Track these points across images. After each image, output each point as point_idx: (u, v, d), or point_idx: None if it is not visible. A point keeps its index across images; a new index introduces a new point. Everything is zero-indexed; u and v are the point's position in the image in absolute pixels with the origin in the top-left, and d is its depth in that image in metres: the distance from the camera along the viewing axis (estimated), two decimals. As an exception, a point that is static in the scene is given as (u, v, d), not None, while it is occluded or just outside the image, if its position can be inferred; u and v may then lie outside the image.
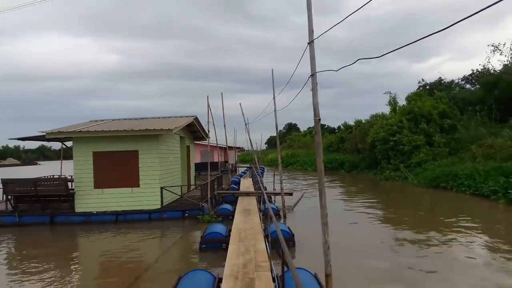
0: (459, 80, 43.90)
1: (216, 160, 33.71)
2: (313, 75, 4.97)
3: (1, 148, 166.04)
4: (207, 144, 37.18)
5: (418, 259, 8.55)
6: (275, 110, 13.27)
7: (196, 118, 17.14)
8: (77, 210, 14.06)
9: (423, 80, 48.58)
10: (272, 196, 17.82)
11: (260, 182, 15.45)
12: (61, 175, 18.49)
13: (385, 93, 43.33)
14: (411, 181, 24.47)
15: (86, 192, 14.06)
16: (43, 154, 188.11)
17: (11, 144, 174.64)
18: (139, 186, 14.00)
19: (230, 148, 45.82)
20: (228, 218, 13.29)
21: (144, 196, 13.98)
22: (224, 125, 18.18)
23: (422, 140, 29.76)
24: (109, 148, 14.07)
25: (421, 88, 43.96)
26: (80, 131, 13.53)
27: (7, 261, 9.78)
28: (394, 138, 30.83)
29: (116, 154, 14.06)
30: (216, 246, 9.29)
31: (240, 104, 19.18)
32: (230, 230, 9.91)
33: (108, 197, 14.02)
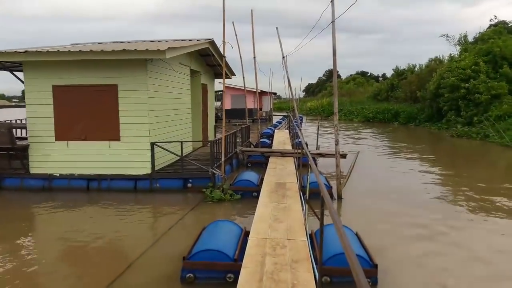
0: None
1: (249, 106, 28.46)
2: None
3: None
4: (239, 87, 31.96)
5: None
6: (332, 22, 7.87)
7: (212, 43, 11.90)
8: (33, 171, 9.60)
9: (495, 17, 40.74)
10: (315, 157, 12.76)
11: (301, 136, 10.32)
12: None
13: (442, 36, 36.51)
14: (497, 140, 18.65)
15: (45, 145, 9.51)
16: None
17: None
18: (119, 140, 9.28)
19: (265, 93, 40.56)
20: (250, 195, 8.48)
21: (127, 155, 9.28)
22: (254, 55, 12.97)
23: (505, 87, 23.44)
24: (77, 81, 9.27)
25: (492, 28, 36.28)
26: (26, 51, 8.72)
27: None
28: (467, 84, 24.62)
29: (86, 89, 9.26)
30: (215, 277, 4.51)
31: (276, 28, 13.85)
32: (246, 234, 5.11)
33: (75, 153, 9.44)
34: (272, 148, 14.28)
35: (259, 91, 34.35)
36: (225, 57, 9.38)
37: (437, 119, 27.95)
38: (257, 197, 7.56)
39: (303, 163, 9.84)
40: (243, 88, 15.82)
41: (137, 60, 8.84)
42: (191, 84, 12.72)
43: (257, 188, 8.36)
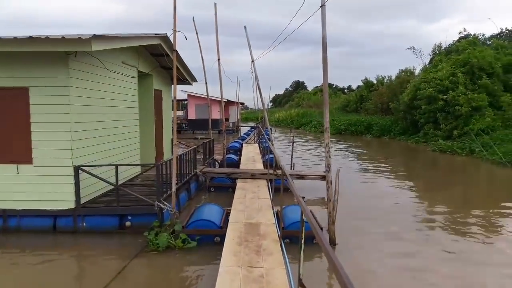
0: (485, 39, 35.64)
1: (214, 117, 25.83)
2: None
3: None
4: (203, 96, 29.52)
5: None
6: (322, 6, 5.76)
7: (164, 38, 9.52)
8: None
9: (465, 29, 40.54)
10: (290, 178, 10.52)
11: (274, 152, 8.12)
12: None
13: (409, 48, 36.43)
14: (486, 156, 17.13)
15: None
16: None
17: None
18: (31, 162, 6.77)
19: (232, 103, 38.35)
20: (212, 239, 6.17)
21: (43, 183, 6.78)
22: (218, 56, 10.74)
23: (486, 99, 22.26)
24: (-26, 82, 6.75)
25: (462, 41, 35.72)
26: None
27: None
28: (446, 96, 23.32)
29: (-13, 94, 6.74)
30: None
31: (245, 27, 11.75)
32: None
33: (-29, 181, 6.86)
34: (241, 167, 12.01)
35: (226, 100, 32.02)
36: (176, 51, 7.09)
37: (412, 132, 26.59)
38: (220, 243, 5.36)
39: (278, 186, 7.64)
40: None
41: (54, 54, 6.42)
42: (140, 89, 10.33)
43: (220, 230, 6.07)
